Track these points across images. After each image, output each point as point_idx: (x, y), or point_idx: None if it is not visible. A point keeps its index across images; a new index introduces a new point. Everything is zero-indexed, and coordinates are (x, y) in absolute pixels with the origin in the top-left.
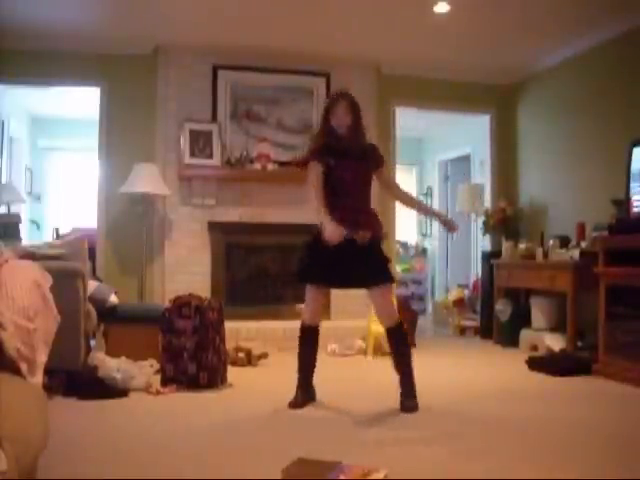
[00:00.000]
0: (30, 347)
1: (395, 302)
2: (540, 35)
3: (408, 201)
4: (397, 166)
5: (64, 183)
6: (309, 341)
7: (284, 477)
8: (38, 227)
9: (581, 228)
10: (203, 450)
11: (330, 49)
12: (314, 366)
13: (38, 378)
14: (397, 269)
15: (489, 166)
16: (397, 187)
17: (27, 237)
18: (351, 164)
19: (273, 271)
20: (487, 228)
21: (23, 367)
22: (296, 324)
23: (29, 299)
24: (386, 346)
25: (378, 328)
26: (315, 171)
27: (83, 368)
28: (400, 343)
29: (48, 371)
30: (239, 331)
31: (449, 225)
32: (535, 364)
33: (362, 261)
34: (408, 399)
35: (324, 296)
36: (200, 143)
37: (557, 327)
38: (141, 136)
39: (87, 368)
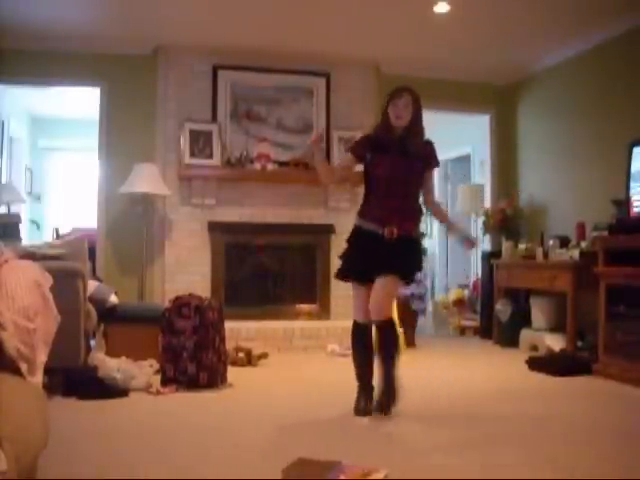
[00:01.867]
0: (30, 347)
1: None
2: (540, 35)
3: (438, 213)
4: None
5: (64, 183)
6: (365, 339)
7: (284, 477)
8: (38, 227)
9: (581, 228)
10: (203, 450)
11: (330, 49)
12: (371, 366)
13: (38, 378)
14: None
15: (489, 166)
16: (432, 195)
17: (27, 237)
18: (390, 161)
19: (273, 271)
20: (487, 228)
21: (23, 367)
22: (296, 324)
23: (29, 299)
24: None
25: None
26: (345, 160)
27: (83, 368)
28: (387, 342)
29: (48, 371)
30: (239, 331)
31: (468, 242)
32: (535, 364)
33: (395, 257)
34: (384, 405)
35: (369, 292)
36: (200, 143)
37: (557, 327)
38: (141, 136)
39: (87, 368)
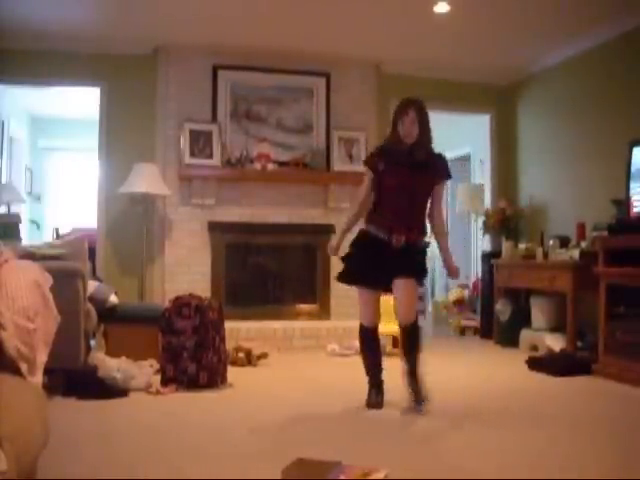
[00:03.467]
0: (30, 347)
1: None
2: (540, 35)
3: (438, 235)
4: None
5: (64, 183)
6: (372, 342)
7: (284, 477)
8: (38, 227)
9: (581, 228)
10: (203, 450)
11: (330, 49)
12: (381, 364)
13: (38, 378)
14: None
15: (489, 166)
16: (438, 209)
17: (27, 237)
18: (402, 171)
19: (273, 271)
20: (487, 228)
21: (23, 367)
22: (296, 324)
23: (29, 299)
24: (387, 346)
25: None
26: (367, 179)
27: (83, 368)
28: (413, 343)
29: (48, 371)
30: (239, 331)
31: (451, 272)
32: (535, 364)
33: (397, 260)
34: (419, 400)
35: (376, 297)
36: (200, 143)
37: (557, 327)
38: (141, 136)
39: (87, 368)
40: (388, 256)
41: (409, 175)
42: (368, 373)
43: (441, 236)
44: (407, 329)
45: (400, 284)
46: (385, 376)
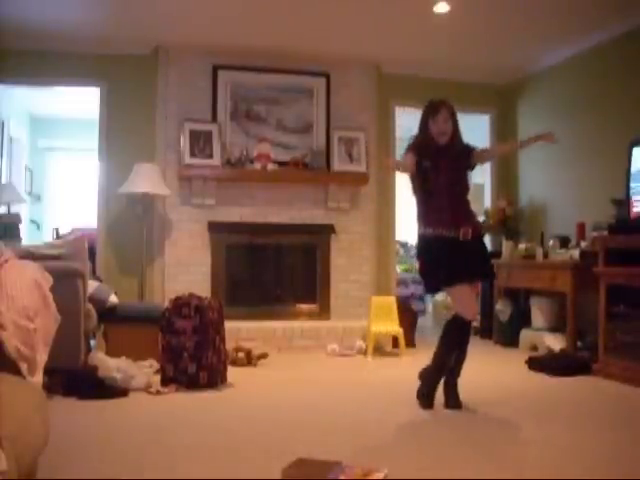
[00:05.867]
0: (30, 347)
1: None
2: (540, 35)
3: (509, 149)
4: None
5: (64, 183)
6: (464, 337)
7: (284, 477)
8: (38, 227)
9: (581, 228)
10: (203, 450)
11: (330, 49)
12: (451, 364)
13: (38, 378)
14: (397, 269)
15: (489, 166)
16: (495, 148)
17: (27, 237)
18: (446, 165)
19: (273, 271)
20: (487, 228)
21: (23, 367)
22: (296, 324)
23: (29, 299)
24: (387, 347)
25: (378, 329)
26: (409, 157)
27: (83, 368)
28: (466, 338)
29: (48, 371)
30: (239, 331)
31: (545, 138)
32: (535, 364)
33: (479, 256)
34: (454, 406)
35: (471, 289)
36: (200, 143)
37: (557, 327)
38: (141, 136)
39: (87, 368)
40: (460, 250)
41: (452, 168)
42: (436, 368)
43: (515, 144)
44: (469, 325)
45: (472, 288)
46: (383, 373)
